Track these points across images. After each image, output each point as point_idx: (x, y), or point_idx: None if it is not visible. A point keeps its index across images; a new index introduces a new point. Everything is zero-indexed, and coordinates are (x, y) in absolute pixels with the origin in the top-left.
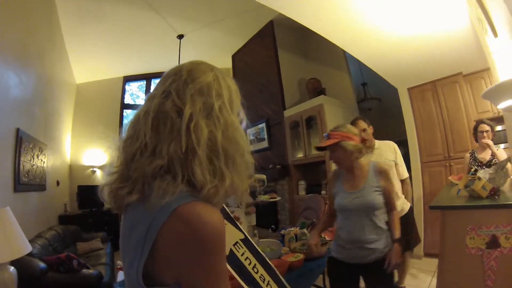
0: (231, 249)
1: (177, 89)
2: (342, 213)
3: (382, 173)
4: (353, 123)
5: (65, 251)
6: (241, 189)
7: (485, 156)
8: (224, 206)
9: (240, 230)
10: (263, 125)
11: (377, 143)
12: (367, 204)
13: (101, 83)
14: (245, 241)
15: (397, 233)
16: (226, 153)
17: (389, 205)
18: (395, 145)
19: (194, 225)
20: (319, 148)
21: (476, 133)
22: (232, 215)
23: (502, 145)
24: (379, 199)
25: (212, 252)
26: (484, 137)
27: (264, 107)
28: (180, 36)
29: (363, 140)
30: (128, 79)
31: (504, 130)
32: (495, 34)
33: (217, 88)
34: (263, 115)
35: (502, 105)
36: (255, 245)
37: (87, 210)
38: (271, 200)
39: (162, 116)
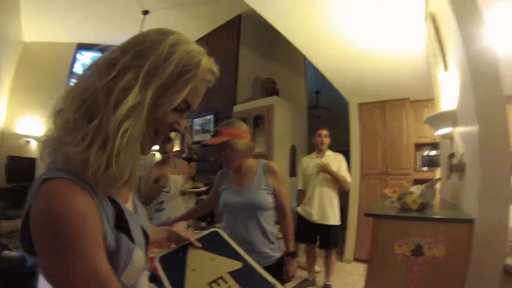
0: None
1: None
2: (227, 211)
3: (272, 171)
4: (318, 129)
5: None
6: (95, 168)
7: None
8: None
9: (237, 255)
10: (211, 117)
11: (329, 152)
12: (252, 202)
13: (51, 46)
14: (241, 273)
15: (292, 245)
16: (98, 111)
17: (281, 209)
18: (343, 157)
19: (43, 205)
20: (205, 145)
21: None
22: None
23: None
24: (267, 198)
25: (57, 239)
26: None
27: (215, 99)
28: (145, 12)
29: (321, 143)
30: (82, 47)
31: (438, 155)
32: (446, 68)
33: (147, 49)
34: (213, 107)
35: (440, 131)
36: (261, 272)
37: (16, 185)
38: (193, 190)
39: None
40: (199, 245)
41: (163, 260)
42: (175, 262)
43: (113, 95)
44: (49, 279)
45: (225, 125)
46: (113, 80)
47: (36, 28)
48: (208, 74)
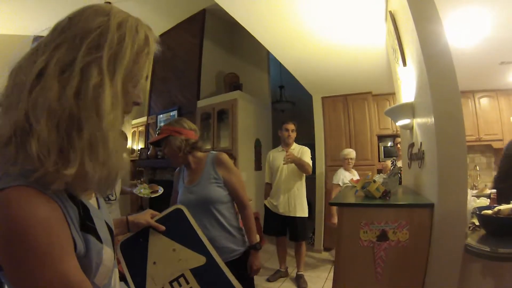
0: None
1: (46, 41)
2: None
3: (221, 163)
4: (284, 122)
5: None
6: (96, 178)
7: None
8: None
9: (201, 247)
10: (175, 112)
11: (294, 145)
12: (203, 197)
13: (6, 38)
14: (203, 271)
15: (254, 238)
16: (78, 125)
17: (238, 201)
18: (308, 149)
19: (3, 215)
20: (152, 144)
21: (395, 145)
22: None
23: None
24: (218, 191)
25: (22, 251)
26: (398, 148)
27: (179, 95)
28: (107, 3)
29: (288, 137)
30: (38, 40)
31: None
32: (404, 63)
33: (98, 37)
34: (176, 102)
35: (400, 122)
36: (226, 273)
37: None
38: (154, 195)
39: (18, 75)
40: (162, 228)
41: (124, 246)
42: (136, 250)
43: (87, 98)
44: None
45: (167, 123)
46: (80, 82)
47: None
48: (155, 45)
